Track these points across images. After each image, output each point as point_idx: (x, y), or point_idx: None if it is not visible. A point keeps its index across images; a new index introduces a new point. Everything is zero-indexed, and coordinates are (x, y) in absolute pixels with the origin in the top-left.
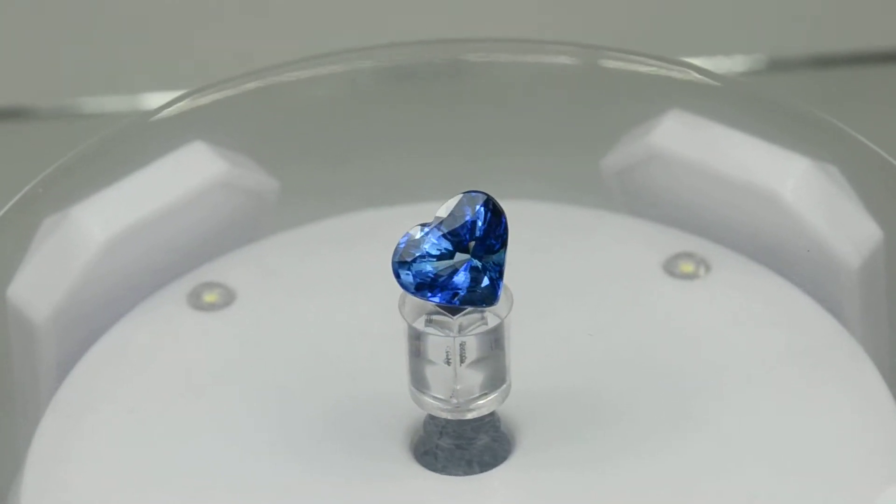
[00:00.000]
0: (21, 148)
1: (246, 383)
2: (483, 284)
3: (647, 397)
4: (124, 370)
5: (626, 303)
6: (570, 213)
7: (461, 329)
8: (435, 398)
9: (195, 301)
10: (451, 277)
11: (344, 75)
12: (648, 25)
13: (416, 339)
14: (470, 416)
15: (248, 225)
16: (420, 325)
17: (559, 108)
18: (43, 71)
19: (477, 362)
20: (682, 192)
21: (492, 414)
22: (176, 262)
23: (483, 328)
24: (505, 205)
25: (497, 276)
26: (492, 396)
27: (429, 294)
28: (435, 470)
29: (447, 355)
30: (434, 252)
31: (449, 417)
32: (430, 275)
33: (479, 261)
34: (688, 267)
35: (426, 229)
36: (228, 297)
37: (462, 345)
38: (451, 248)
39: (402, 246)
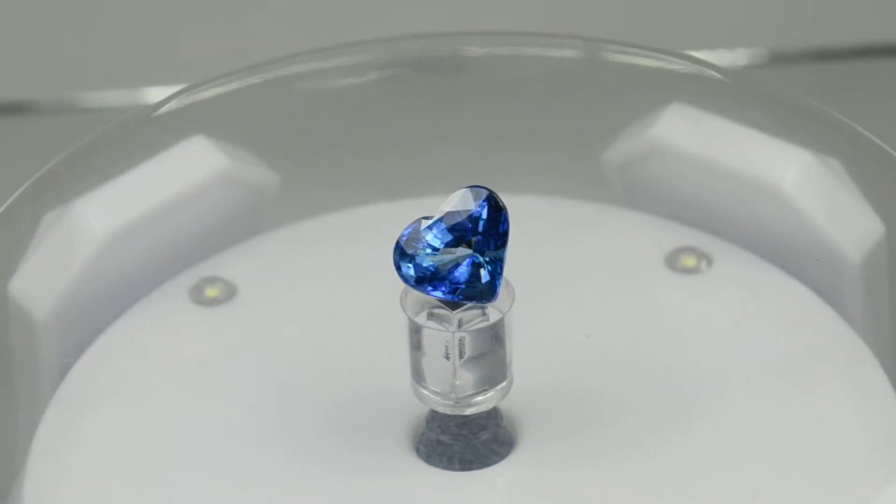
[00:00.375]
0: (22, 142)
1: (248, 378)
2: (483, 280)
3: (648, 392)
4: (126, 365)
5: (628, 297)
6: (572, 208)
7: (461, 324)
8: (435, 393)
9: (197, 296)
10: (452, 272)
11: (345, 69)
12: (650, 19)
13: (416, 333)
14: (469, 411)
15: (250, 219)
16: (420, 319)
17: (561, 101)
18: (43, 65)
19: (476, 358)
20: (683, 186)
21: (494, 409)
22: (178, 256)
23: (482, 324)
24: (506, 199)
25: (497, 271)
26: (491, 393)
27: (429, 288)
28: (437, 465)
29: (446, 350)
30: (436, 246)
31: (448, 413)
32: (431, 268)
33: (481, 256)
34: (690, 261)
35: (429, 223)
36: (230, 292)
37: (461, 340)
38: (453, 242)
39: (405, 239)
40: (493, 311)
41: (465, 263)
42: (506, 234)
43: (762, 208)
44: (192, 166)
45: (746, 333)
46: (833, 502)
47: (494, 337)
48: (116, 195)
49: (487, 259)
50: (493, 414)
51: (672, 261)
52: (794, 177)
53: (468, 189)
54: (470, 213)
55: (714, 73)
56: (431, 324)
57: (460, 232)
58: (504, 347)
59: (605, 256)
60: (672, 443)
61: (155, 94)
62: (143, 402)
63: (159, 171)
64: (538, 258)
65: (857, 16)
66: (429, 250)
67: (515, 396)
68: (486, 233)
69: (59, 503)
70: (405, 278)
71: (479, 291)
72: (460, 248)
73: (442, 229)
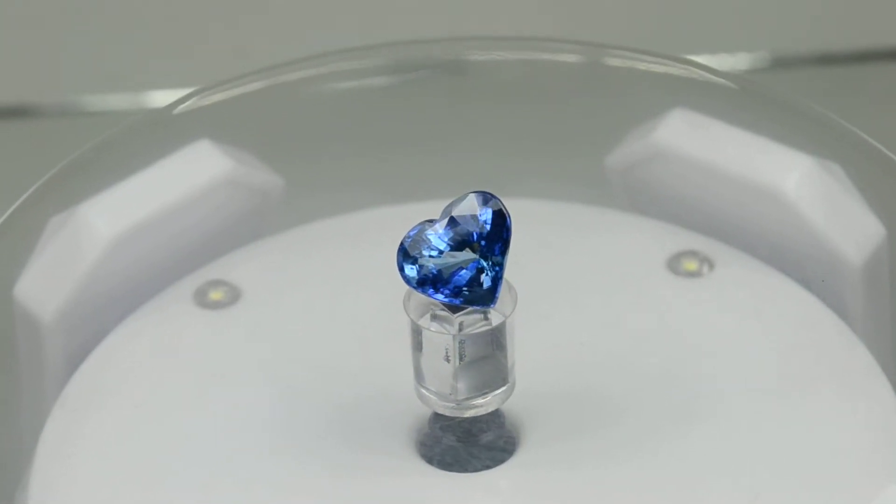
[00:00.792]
0: (25, 145)
1: (252, 380)
2: (485, 285)
3: (650, 395)
4: (131, 367)
5: (630, 300)
6: (575, 211)
7: (462, 327)
8: (436, 395)
9: (201, 299)
10: (454, 275)
11: (349, 74)
12: (652, 23)
13: (417, 334)
14: (469, 413)
15: (254, 223)
16: (422, 321)
17: (564, 106)
18: (47, 69)
19: (477, 361)
20: (686, 190)
21: (496, 411)
22: (182, 260)
23: (483, 328)
24: (509, 202)
25: (498, 277)
26: (492, 396)
27: (430, 290)
28: (440, 467)
29: (447, 353)
30: (440, 249)
31: (449, 415)
32: (434, 271)
33: (484, 261)
34: (691, 265)
35: (434, 225)
36: (234, 295)
37: (462, 343)
38: (457, 246)
39: (409, 241)
40: (495, 315)
41: (468, 268)
42: (508, 240)
43: (764, 212)
44: (196, 170)
45: (748, 336)
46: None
47: (496, 340)
48: (122, 199)
49: (489, 264)
50: (496, 416)
51: (674, 264)
52: (796, 181)
53: (473, 194)
54: (475, 217)
55: (716, 79)
56: (432, 326)
57: (464, 236)
58: (506, 351)
59: (607, 260)
60: (674, 445)
61: (158, 97)
62: (147, 404)
63: (164, 174)
64: (541, 261)
65: (859, 20)
66: (433, 253)
67: (518, 398)
68: (489, 238)
69: (65, 503)
70: (407, 280)
71: (479, 296)
72: (464, 252)
73: (446, 233)
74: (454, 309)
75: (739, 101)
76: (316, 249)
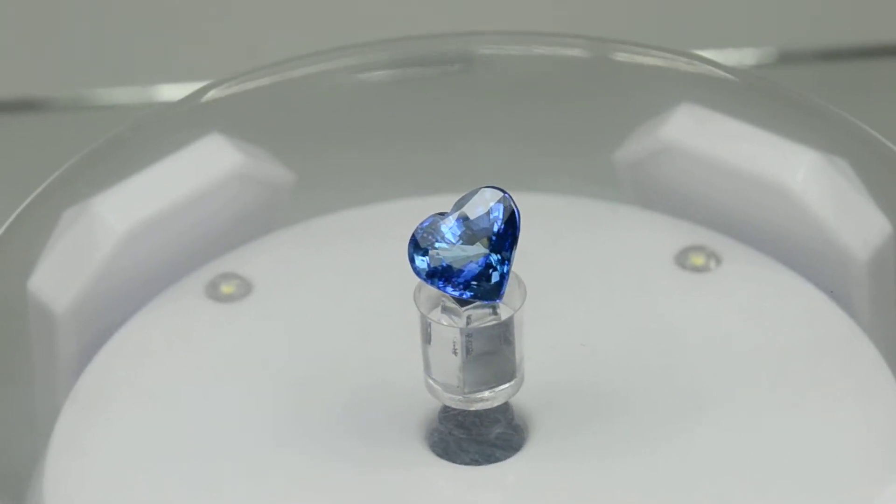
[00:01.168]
0: (36, 139)
1: (263, 373)
2: (493, 280)
3: (657, 389)
4: (143, 360)
5: (638, 295)
6: (582, 206)
7: (470, 321)
8: (444, 388)
9: (213, 292)
10: (463, 269)
11: (358, 69)
12: (659, 18)
13: (426, 327)
14: (475, 407)
15: (265, 216)
16: (431, 314)
17: (572, 101)
18: (57, 62)
19: (484, 355)
20: (693, 185)
21: (505, 405)
22: (194, 253)
23: (490, 322)
24: (517, 197)
25: (505, 272)
26: (500, 389)
27: (439, 283)
28: (449, 459)
29: (454, 346)
30: (451, 242)
31: (457, 407)
32: (444, 263)
33: (495, 256)
34: (699, 260)
35: (447, 218)
36: (246, 288)
37: (469, 336)
38: (468, 240)
39: (421, 232)
40: (504, 309)
41: (478, 262)
42: (516, 236)
43: (771, 207)
44: (208, 164)
45: (754, 331)
46: (838, 500)
47: (504, 335)
48: (134, 193)
49: (498, 259)
50: (505, 409)
51: (681, 259)
52: (803, 176)
53: (485, 189)
54: (486, 213)
55: (724, 74)
56: (440, 319)
57: (476, 231)
58: (513, 345)
59: (615, 254)
60: (680, 440)
61: (167, 91)
62: (159, 396)
63: (176, 169)
64: (549, 256)
65: (866, 15)
66: (444, 246)
67: (526, 392)
68: (499, 233)
69: (78, 495)
70: (417, 271)
71: (486, 291)
72: (475, 247)
73: (458, 226)
74: (462, 302)
75: (746, 97)
76: (327, 243)
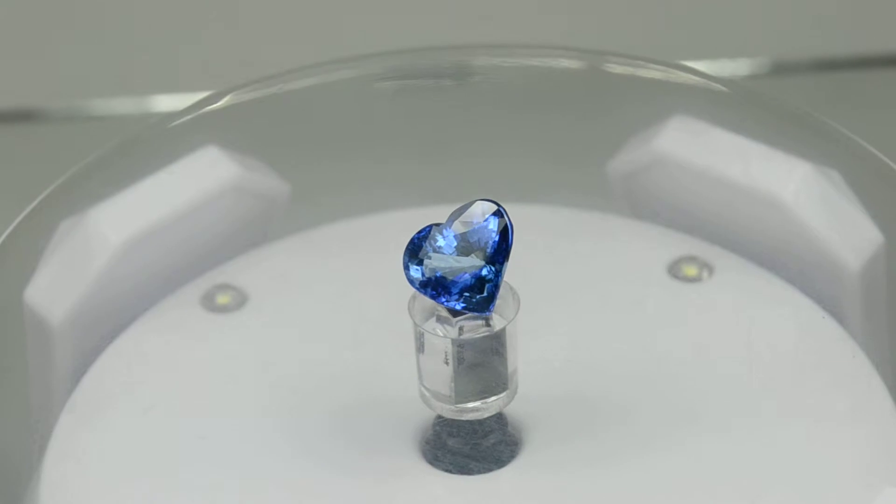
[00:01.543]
0: (32, 150)
1: (258, 383)
2: (484, 292)
3: (651, 399)
4: (139, 371)
5: (631, 305)
6: (576, 217)
7: (462, 331)
8: (437, 397)
9: (208, 303)
10: (456, 280)
11: (353, 81)
12: (652, 29)
13: (420, 337)
14: (467, 417)
15: (260, 228)
16: (423, 324)
17: (565, 112)
18: (53, 73)
19: (476, 365)
20: (686, 196)
21: (500, 414)
22: (189, 264)
23: (481, 333)
24: (511, 208)
25: (496, 285)
26: (492, 400)
27: (431, 292)
28: (443, 468)
29: (446, 356)
30: (447, 253)
31: (448, 417)
32: (438, 274)
33: (487, 268)
34: (691, 270)
35: (442, 229)
36: (241, 299)
37: (461, 347)
38: (462, 251)
39: (416, 241)
40: (497, 320)
41: (471, 274)
42: (509, 250)
43: (763, 218)
44: (204, 176)
45: (746, 341)
46: None
47: (496, 345)
48: (130, 204)
49: (490, 271)
50: (499, 419)
51: (674, 269)
52: (795, 188)
53: (479, 202)
54: (480, 225)
55: (717, 86)
56: (432, 329)
57: (470, 243)
58: (506, 355)
59: (608, 265)
60: (674, 449)
61: (163, 102)
62: (155, 407)
63: (172, 180)
64: (543, 267)
65: (860, 26)
66: (439, 256)
67: (521, 402)
68: (492, 246)
69: None
70: (411, 280)
71: (477, 302)
72: (469, 259)
73: (454, 238)
74: (455, 313)
75: (739, 109)
76: (322, 254)
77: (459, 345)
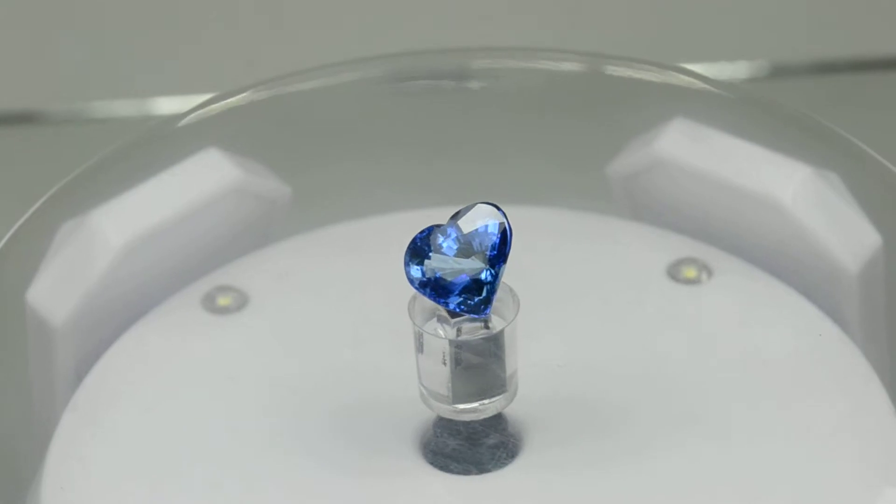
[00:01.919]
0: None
1: (259, 384)
2: (481, 295)
3: (650, 400)
4: (140, 372)
5: (631, 307)
6: (576, 219)
7: (461, 332)
8: (435, 397)
9: (209, 304)
10: (454, 281)
11: (354, 84)
12: (652, 32)
13: (419, 338)
14: (464, 417)
15: (261, 230)
16: (423, 325)
17: (565, 115)
18: (54, 76)
19: (475, 366)
20: (685, 198)
21: (500, 415)
22: (190, 266)
23: (478, 334)
24: (511, 210)
25: (493, 288)
26: (490, 401)
27: (430, 292)
28: (443, 469)
29: (444, 356)
30: (447, 254)
31: (449, 418)
32: (437, 275)
33: (486, 271)
34: (691, 272)
35: (444, 230)
36: (242, 301)
37: (458, 348)
38: (462, 253)
39: (419, 241)
40: (496, 321)
41: (470, 276)
42: (507, 254)
43: (762, 221)
44: (205, 178)
45: (746, 342)
46: None
47: (495, 346)
48: (132, 206)
49: (488, 274)
50: (499, 420)
51: (674, 271)
52: (794, 190)
53: (480, 205)
54: (480, 228)
55: (716, 89)
56: (429, 329)
57: (469, 245)
58: (504, 357)
59: (608, 266)
60: (673, 451)
61: (164, 104)
62: (156, 408)
63: (174, 183)
64: (542, 268)
65: (858, 29)
66: (439, 257)
67: (521, 403)
68: (492, 249)
69: None
70: (411, 279)
71: (474, 305)
72: (469, 261)
73: (455, 240)
74: (453, 314)
75: (739, 112)
76: (322, 256)
77: (457, 346)
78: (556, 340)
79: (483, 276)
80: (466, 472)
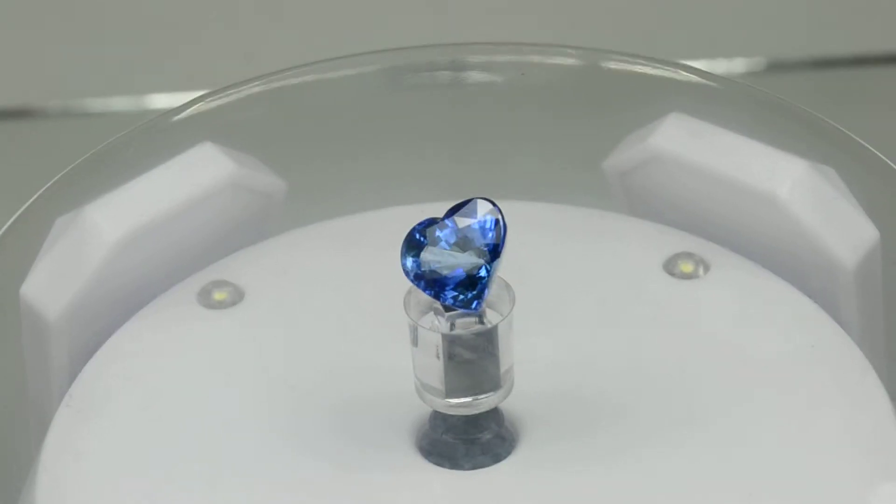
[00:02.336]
0: (29, 147)
1: (255, 380)
2: (474, 290)
3: (647, 396)
4: (135, 367)
5: (627, 301)
6: (572, 214)
7: (454, 326)
8: (431, 392)
9: (205, 299)
10: (448, 275)
11: (350, 79)
12: (649, 27)
13: (414, 332)
14: (459, 412)
15: (257, 224)
16: (418, 318)
17: (561, 110)
18: (51, 71)
19: (467, 361)
20: (682, 193)
21: (496, 411)
22: (186, 261)
23: (472, 329)
24: (506, 205)
25: (485, 284)
26: (484, 396)
27: (424, 285)
28: (439, 464)
29: (437, 350)
30: (444, 248)
31: (443, 412)
32: (433, 267)
33: (480, 267)
34: (687, 267)
35: (442, 224)
36: (238, 296)
37: (451, 342)
38: (458, 248)
39: (416, 233)
40: (492, 316)
41: (465, 270)
42: (502, 248)
43: (759, 215)
44: (201, 173)
45: (743, 338)
46: None
47: (489, 341)
48: (127, 201)
49: (482, 269)
50: (495, 415)
51: (670, 266)
52: (791, 185)
53: (476, 200)
54: (476, 223)
55: (713, 84)
56: (424, 323)
57: (466, 240)
58: (498, 352)
59: (604, 261)
60: (669, 446)
61: (159, 100)
62: (152, 403)
63: (169, 177)
64: (538, 263)
65: (855, 25)
66: (436, 250)
67: (517, 398)
68: (487, 245)
69: (72, 500)
70: (406, 271)
71: (466, 300)
72: (465, 255)
73: (451, 234)
74: (447, 308)
75: (735, 107)
76: (318, 250)
77: (450, 340)
78: (551, 335)
79: (475, 271)
80: (462, 468)
